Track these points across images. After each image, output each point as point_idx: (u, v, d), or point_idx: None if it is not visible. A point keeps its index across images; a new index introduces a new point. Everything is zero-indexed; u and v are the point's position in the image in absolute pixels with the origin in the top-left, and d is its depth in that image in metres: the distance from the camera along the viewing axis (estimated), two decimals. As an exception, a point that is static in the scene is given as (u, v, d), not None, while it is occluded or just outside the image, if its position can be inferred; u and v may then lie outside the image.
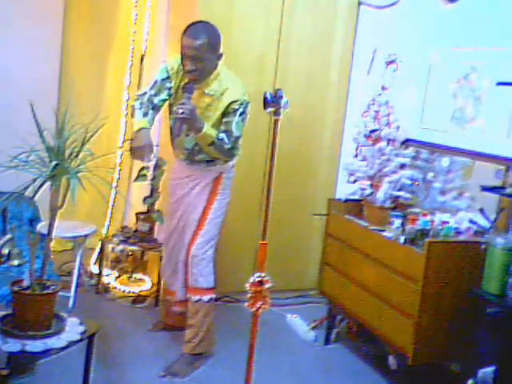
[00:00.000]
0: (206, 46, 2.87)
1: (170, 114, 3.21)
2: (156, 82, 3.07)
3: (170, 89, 3.06)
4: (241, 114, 2.96)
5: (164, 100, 3.07)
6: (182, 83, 3.01)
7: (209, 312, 3.16)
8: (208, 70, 2.95)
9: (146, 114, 2.97)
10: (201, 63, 2.89)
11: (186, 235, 3.20)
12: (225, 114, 2.97)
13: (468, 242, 2.93)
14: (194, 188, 3.18)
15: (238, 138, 2.97)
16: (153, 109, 3.01)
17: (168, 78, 3.06)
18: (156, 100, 3.03)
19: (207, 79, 2.97)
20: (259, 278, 2.20)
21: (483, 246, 2.76)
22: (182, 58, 2.94)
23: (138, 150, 2.90)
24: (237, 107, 2.95)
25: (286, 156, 3.81)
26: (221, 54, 2.96)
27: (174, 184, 3.31)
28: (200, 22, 2.97)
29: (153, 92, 3.04)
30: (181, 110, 2.79)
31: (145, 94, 3.06)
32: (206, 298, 3.14)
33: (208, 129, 2.90)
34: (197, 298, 3.14)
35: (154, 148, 2.97)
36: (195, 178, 3.18)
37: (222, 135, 2.93)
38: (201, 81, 2.96)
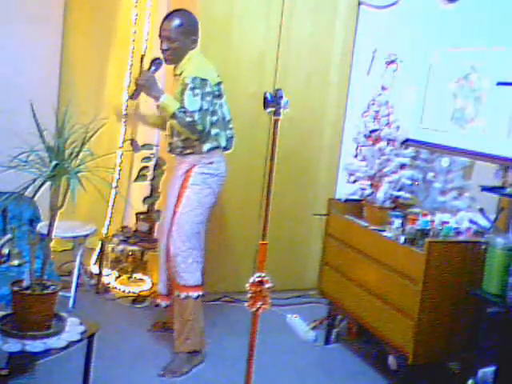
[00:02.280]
0: (180, 28, 3.08)
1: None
2: None
3: None
4: (192, 89, 2.97)
5: None
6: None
7: (192, 310, 3.15)
8: (180, 52, 3.12)
9: None
10: (173, 43, 3.09)
11: (166, 230, 3.21)
12: (182, 91, 3.03)
13: (468, 242, 2.93)
14: (174, 180, 3.23)
15: (192, 112, 2.95)
16: None
17: None
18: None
19: (180, 62, 3.13)
20: (259, 278, 2.20)
21: (483, 246, 2.76)
22: (160, 41, 3.14)
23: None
24: (187, 81, 3.01)
25: (286, 156, 3.81)
26: (195, 39, 3.14)
27: (171, 180, 3.34)
28: (179, 9, 3.18)
29: None
30: (139, 78, 3.06)
31: None
32: (182, 294, 3.13)
33: (168, 99, 2.99)
34: (183, 294, 3.14)
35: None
36: (176, 170, 3.23)
37: (182, 109, 2.96)
38: (174, 62, 3.14)
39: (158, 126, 3.49)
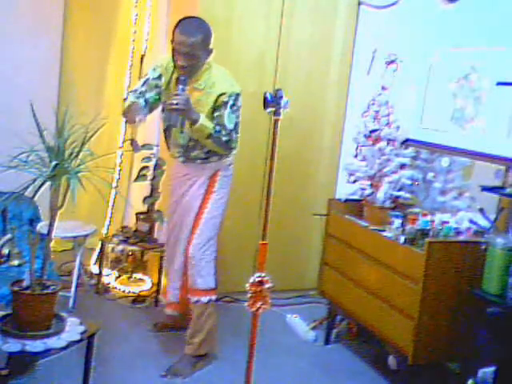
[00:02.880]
0: (200, 43, 2.88)
1: (162, 110, 3.19)
2: (148, 79, 3.09)
3: (160, 87, 3.07)
4: (231, 106, 2.94)
5: (155, 98, 3.07)
6: (174, 76, 3.02)
7: (210, 314, 3.14)
8: (198, 66, 2.97)
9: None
10: (193, 60, 2.90)
11: (184, 235, 3.17)
12: (215, 108, 2.96)
13: (468, 242, 2.93)
14: (192, 187, 3.16)
15: (231, 130, 2.94)
16: (145, 102, 3.02)
17: (159, 76, 3.07)
18: (147, 95, 3.04)
19: (197, 73, 2.99)
20: (259, 278, 2.20)
21: (483, 246, 2.76)
22: (173, 53, 2.95)
23: (129, 114, 2.93)
24: (226, 99, 2.94)
25: (286, 156, 3.81)
26: (211, 50, 2.98)
27: (174, 183, 3.30)
28: (192, 17, 2.99)
29: (143, 89, 3.06)
30: (175, 101, 2.79)
31: (135, 90, 3.07)
32: (204, 299, 3.11)
33: (204, 120, 2.89)
34: (195, 298, 3.12)
35: (144, 113, 2.93)
36: (192, 177, 3.16)
37: (218, 127, 2.92)
38: (191, 76, 2.97)
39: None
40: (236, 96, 2.97)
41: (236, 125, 2.98)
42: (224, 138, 2.93)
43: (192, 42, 2.86)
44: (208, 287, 3.12)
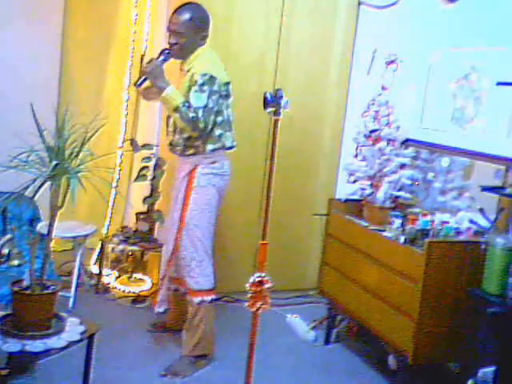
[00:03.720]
0: (189, 22, 2.99)
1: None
2: None
3: None
4: (200, 85, 2.92)
5: None
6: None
7: (205, 314, 3.11)
8: (189, 48, 3.02)
9: None
10: (182, 38, 3.00)
11: (173, 234, 3.14)
12: (190, 87, 2.97)
13: (468, 242, 2.93)
14: (178, 181, 3.16)
15: (197, 108, 2.89)
16: None
17: None
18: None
19: (188, 58, 3.03)
20: (259, 278, 2.20)
21: (483, 246, 2.76)
22: (169, 35, 3.05)
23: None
24: (196, 78, 2.94)
25: (286, 156, 3.81)
26: (205, 35, 3.04)
27: (175, 181, 3.30)
28: (190, 2, 3.07)
29: None
30: (146, 65, 2.95)
31: None
32: (196, 299, 3.09)
33: (173, 92, 2.91)
34: (188, 298, 3.12)
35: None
36: (180, 170, 3.16)
37: (187, 104, 2.90)
38: (181, 57, 3.04)
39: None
40: (208, 77, 2.93)
41: (206, 106, 2.92)
42: (190, 115, 2.89)
43: (181, 20, 2.98)
44: (200, 288, 3.10)
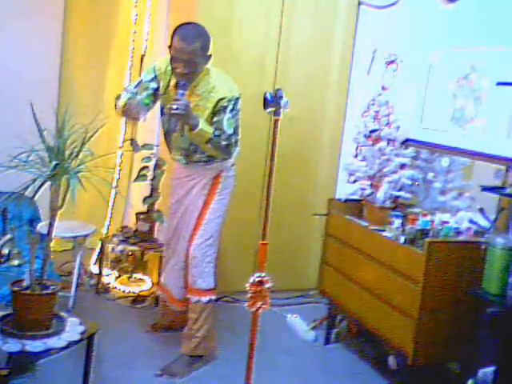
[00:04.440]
0: (199, 50, 2.87)
1: (161, 114, 3.19)
2: (141, 81, 3.07)
3: (154, 89, 3.04)
4: (231, 111, 2.93)
5: (145, 102, 3.00)
6: (173, 81, 3.00)
7: (209, 314, 3.14)
8: (199, 71, 2.96)
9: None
10: (192, 67, 2.89)
11: (186, 235, 3.18)
12: (215, 112, 2.95)
13: (468, 242, 2.93)
14: (194, 187, 3.16)
15: (230, 135, 2.94)
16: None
17: (154, 78, 3.04)
18: (139, 97, 2.99)
19: (196, 79, 2.98)
20: (259, 278, 2.20)
21: (483, 246, 2.76)
22: (171, 59, 2.92)
23: (131, 112, 2.93)
24: (225, 104, 2.93)
25: (286, 156, 3.80)
26: (210, 55, 2.96)
27: (175, 184, 3.30)
28: (191, 23, 2.97)
29: (135, 90, 3.02)
30: (175, 106, 2.77)
31: (128, 90, 3.03)
32: (204, 299, 3.12)
33: (204, 125, 2.87)
34: (196, 298, 3.12)
35: (144, 111, 2.95)
36: (194, 178, 3.16)
37: (217, 132, 2.91)
38: (190, 81, 2.95)
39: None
40: (236, 100, 2.96)
41: (235, 129, 2.98)
42: (223, 143, 2.92)
43: (192, 50, 2.84)
44: (209, 287, 3.13)
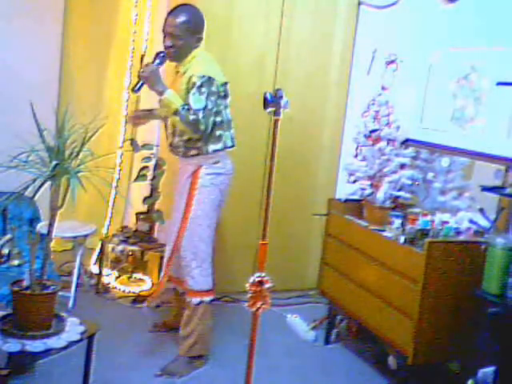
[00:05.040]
0: (186, 24, 2.98)
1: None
2: None
3: None
4: (198, 87, 2.90)
5: None
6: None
7: (202, 315, 3.11)
8: (185, 50, 3.01)
9: None
10: (178, 41, 2.98)
11: (174, 233, 3.14)
12: (188, 90, 2.95)
13: (468, 242, 2.93)
14: (181, 182, 3.15)
15: (197, 110, 2.88)
16: None
17: None
18: None
19: (183, 60, 3.03)
20: (259, 278, 2.20)
21: (483, 246, 2.76)
22: (164, 37, 3.03)
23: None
24: (194, 80, 2.92)
25: (286, 156, 3.80)
26: (200, 38, 3.03)
27: (176, 184, 3.30)
28: (185, 4, 3.06)
29: None
30: (142, 70, 2.94)
31: None
32: (195, 300, 3.09)
33: (171, 95, 2.90)
34: (188, 298, 3.12)
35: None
36: (182, 171, 3.16)
37: (186, 106, 2.89)
38: (176, 59, 3.03)
39: (160, 118, 3.41)
40: (206, 79, 2.92)
41: (205, 108, 2.91)
42: (191, 117, 2.88)
43: (178, 23, 2.97)
44: (199, 289, 3.10)
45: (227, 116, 3.11)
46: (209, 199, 3.08)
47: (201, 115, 2.89)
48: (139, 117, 3.49)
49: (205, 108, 2.90)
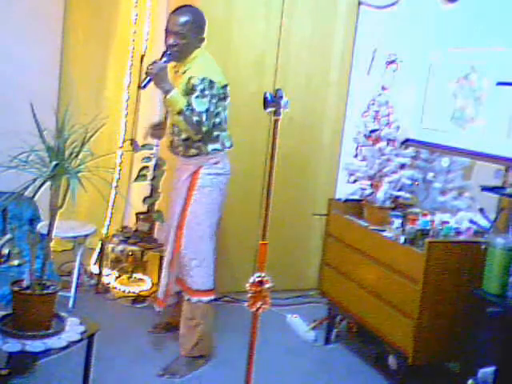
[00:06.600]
0: (189, 24, 3.00)
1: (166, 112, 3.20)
2: None
3: None
4: (201, 91, 2.91)
5: None
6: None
7: (202, 315, 3.11)
8: (187, 50, 3.03)
9: None
10: (182, 40, 3.00)
11: (173, 233, 3.13)
12: (188, 91, 2.95)
13: (468, 242, 2.93)
14: (178, 182, 3.15)
15: (201, 112, 2.89)
16: None
17: None
18: None
19: (185, 60, 3.04)
20: (259, 278, 2.20)
21: (483, 246, 2.76)
22: (166, 36, 3.04)
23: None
24: (194, 82, 2.93)
25: (286, 156, 3.81)
26: (202, 38, 3.06)
27: (174, 180, 3.30)
28: (188, 4, 3.09)
29: None
30: (150, 67, 2.91)
31: None
32: (194, 299, 3.09)
33: (177, 95, 2.90)
34: (187, 296, 3.12)
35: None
36: (182, 171, 3.16)
37: (190, 107, 2.89)
38: (178, 59, 3.03)
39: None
40: (207, 82, 2.93)
41: (207, 110, 2.92)
42: (194, 118, 2.89)
43: (181, 22, 2.99)
44: (198, 288, 3.10)
45: (225, 117, 3.11)
46: (209, 199, 3.08)
47: (204, 117, 2.91)
48: (157, 126, 3.41)
49: (207, 110, 2.92)
